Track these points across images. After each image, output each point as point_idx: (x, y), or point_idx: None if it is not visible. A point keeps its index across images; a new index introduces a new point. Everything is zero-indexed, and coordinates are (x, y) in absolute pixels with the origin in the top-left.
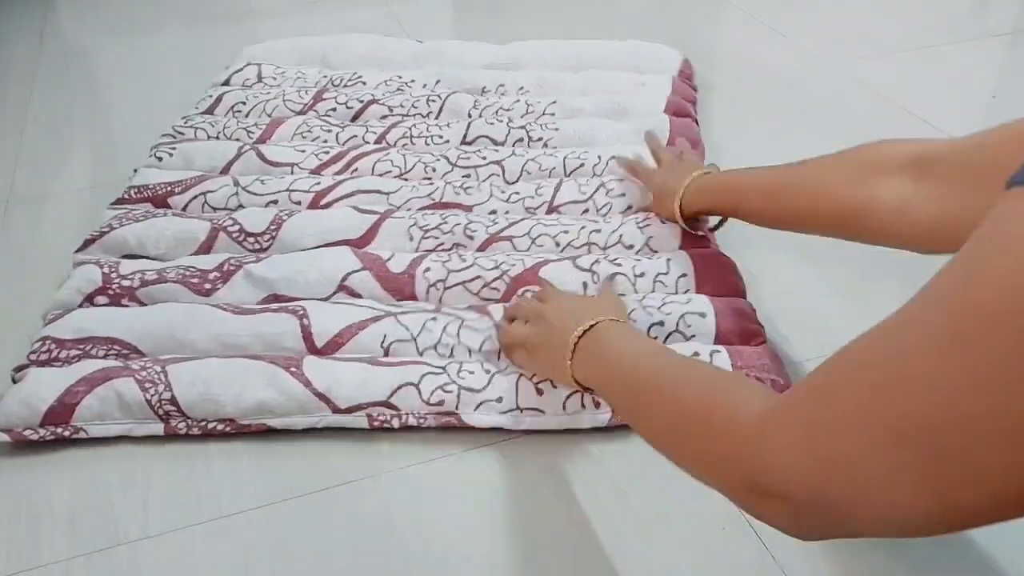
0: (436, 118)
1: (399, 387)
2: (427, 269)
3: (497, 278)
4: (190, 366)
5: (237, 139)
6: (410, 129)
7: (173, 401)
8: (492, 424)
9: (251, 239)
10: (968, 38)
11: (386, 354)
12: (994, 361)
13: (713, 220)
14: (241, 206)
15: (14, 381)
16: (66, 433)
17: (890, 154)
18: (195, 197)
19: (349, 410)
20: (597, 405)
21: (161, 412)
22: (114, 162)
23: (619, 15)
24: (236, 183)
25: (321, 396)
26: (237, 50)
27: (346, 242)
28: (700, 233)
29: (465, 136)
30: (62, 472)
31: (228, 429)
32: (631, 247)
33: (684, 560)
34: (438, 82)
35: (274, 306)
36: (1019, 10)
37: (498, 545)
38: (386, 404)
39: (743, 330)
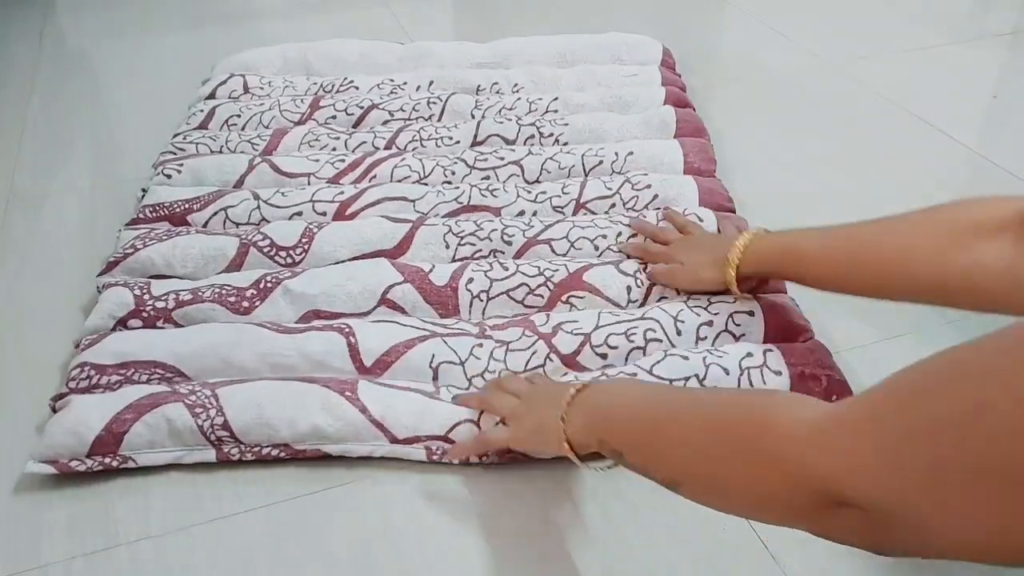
0: (439, 120)
1: (459, 423)
2: (470, 280)
3: (541, 284)
4: (241, 388)
5: (243, 152)
6: (418, 132)
7: (226, 426)
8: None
9: (282, 253)
10: (968, 38)
11: (435, 376)
12: None
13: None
14: (264, 220)
15: (54, 410)
16: (115, 463)
17: (986, 213)
18: (215, 213)
19: (407, 441)
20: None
21: (213, 438)
22: (114, 162)
23: (619, 15)
24: (256, 196)
25: (378, 424)
26: (237, 50)
27: (381, 253)
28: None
29: (476, 136)
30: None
31: (283, 455)
32: None
33: (684, 560)
34: (432, 83)
35: (319, 324)
36: (1019, 10)
37: (499, 544)
38: (444, 438)
39: (790, 326)
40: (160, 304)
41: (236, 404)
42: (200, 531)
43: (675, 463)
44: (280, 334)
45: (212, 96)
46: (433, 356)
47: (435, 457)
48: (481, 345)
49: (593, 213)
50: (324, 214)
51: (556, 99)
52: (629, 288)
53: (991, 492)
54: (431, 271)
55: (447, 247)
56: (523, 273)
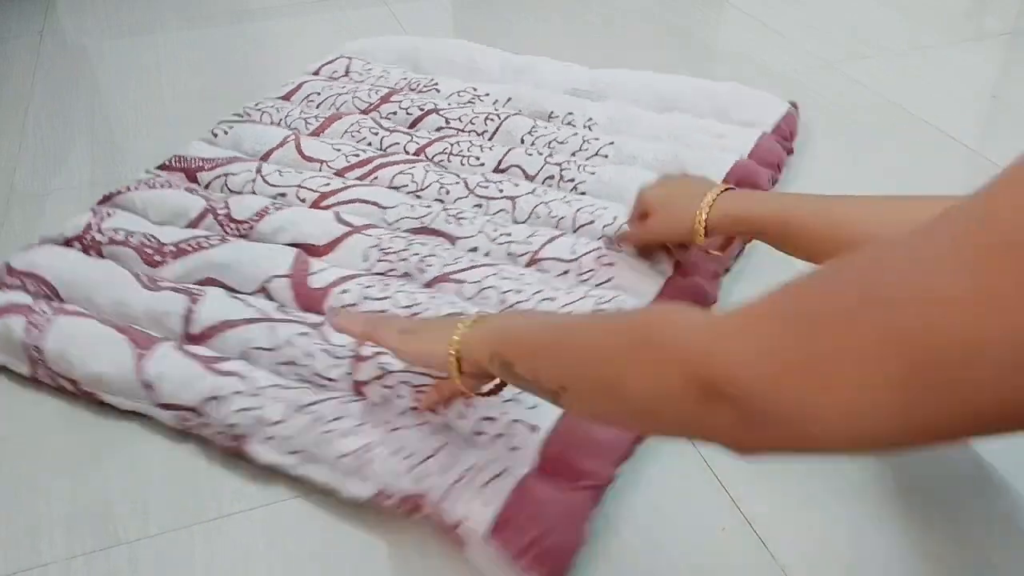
0: (490, 138)
1: (212, 397)
2: (344, 291)
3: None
4: (71, 320)
5: (294, 128)
6: (452, 145)
7: (39, 349)
8: (270, 462)
9: (232, 225)
10: (968, 38)
11: (243, 357)
12: (1014, 285)
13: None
14: (253, 192)
15: None
16: None
17: None
18: (218, 177)
19: (166, 406)
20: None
21: (29, 355)
22: (114, 161)
23: (619, 15)
24: (258, 171)
25: (146, 385)
26: (239, 50)
27: (312, 247)
28: (715, 253)
29: (500, 163)
30: (62, 471)
31: (73, 390)
32: None
33: (684, 560)
34: (508, 100)
35: (180, 285)
36: (1019, 10)
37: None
38: (195, 410)
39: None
40: (100, 237)
41: (57, 331)
42: (200, 531)
43: (566, 366)
44: (142, 288)
45: (316, 73)
46: (250, 340)
47: (184, 427)
48: (306, 334)
49: (544, 272)
50: (304, 200)
51: (611, 143)
52: None
53: (866, 373)
54: (316, 272)
55: (365, 260)
56: (394, 300)
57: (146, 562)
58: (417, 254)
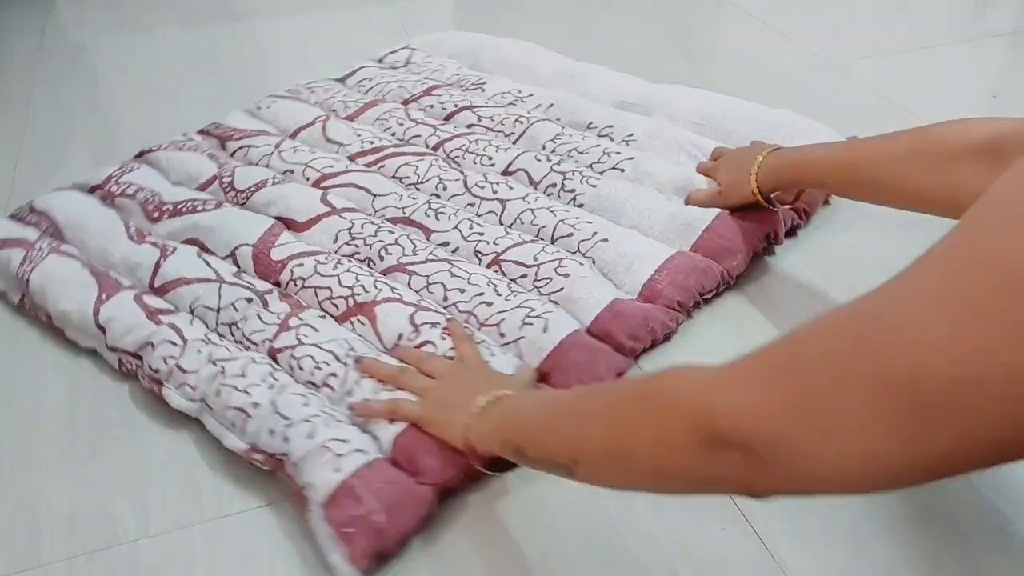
0: (515, 141)
1: (148, 343)
2: (300, 264)
3: (345, 296)
4: (57, 261)
5: (333, 110)
6: (471, 143)
7: (27, 283)
8: (178, 406)
9: (232, 192)
10: (968, 38)
11: (191, 312)
12: (1007, 323)
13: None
14: (267, 166)
15: None
16: None
17: (959, 139)
18: (241, 147)
19: (113, 348)
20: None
21: (19, 285)
22: (114, 161)
23: (619, 15)
24: (278, 146)
25: (100, 327)
26: (239, 49)
27: (292, 222)
28: (776, 208)
29: (509, 165)
30: (62, 471)
31: (48, 322)
32: (504, 337)
33: (684, 560)
34: (551, 105)
35: (160, 241)
36: (1019, 10)
37: (497, 546)
38: (134, 354)
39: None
40: (114, 189)
41: (43, 268)
42: (200, 531)
43: (575, 438)
44: (128, 240)
45: (380, 61)
46: (198, 298)
47: (125, 370)
48: (250, 300)
49: (503, 274)
50: (308, 179)
51: (631, 159)
52: (400, 336)
53: (863, 417)
54: (279, 246)
55: (335, 240)
56: (340, 279)
57: (146, 562)
58: (382, 242)
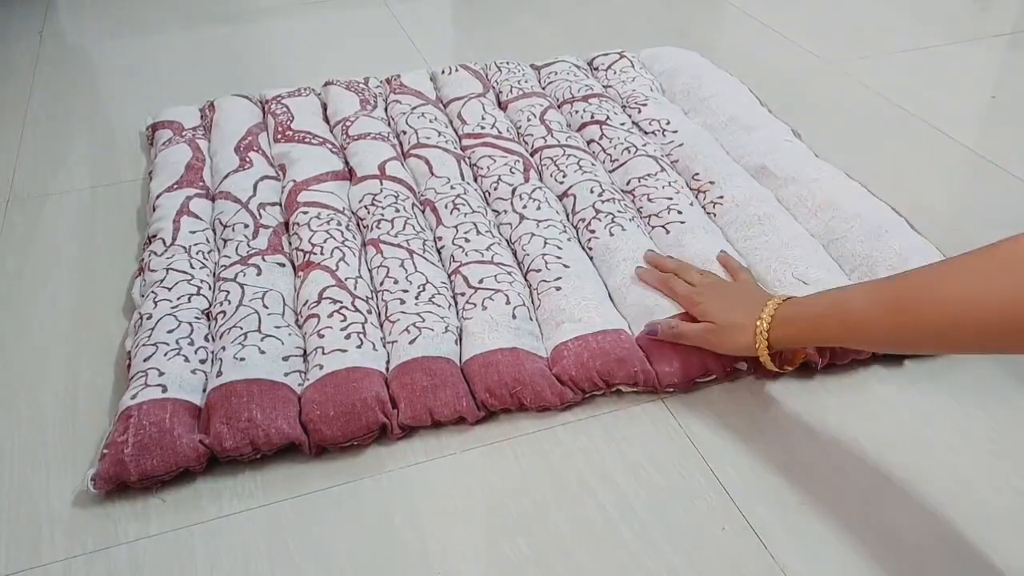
0: (613, 169)
1: (155, 234)
2: (305, 212)
3: (304, 251)
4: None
5: (499, 91)
6: (565, 156)
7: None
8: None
9: (344, 136)
10: (968, 38)
11: (211, 227)
12: None
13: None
14: (389, 124)
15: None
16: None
17: None
18: (393, 101)
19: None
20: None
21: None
22: (114, 162)
23: (619, 15)
24: (413, 109)
25: (153, 207)
26: (239, 50)
27: (352, 172)
28: (778, 370)
29: (571, 188)
30: (62, 471)
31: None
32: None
33: (684, 560)
34: (682, 145)
35: (256, 157)
36: (1019, 10)
37: (497, 545)
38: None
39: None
40: (274, 106)
41: (167, 152)
42: (200, 531)
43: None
44: (232, 151)
45: (590, 62)
46: (222, 212)
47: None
48: (246, 226)
49: (451, 285)
50: (410, 142)
51: (683, 223)
52: (306, 302)
53: None
54: (311, 189)
55: (360, 201)
56: (312, 237)
57: (146, 562)
58: (382, 215)
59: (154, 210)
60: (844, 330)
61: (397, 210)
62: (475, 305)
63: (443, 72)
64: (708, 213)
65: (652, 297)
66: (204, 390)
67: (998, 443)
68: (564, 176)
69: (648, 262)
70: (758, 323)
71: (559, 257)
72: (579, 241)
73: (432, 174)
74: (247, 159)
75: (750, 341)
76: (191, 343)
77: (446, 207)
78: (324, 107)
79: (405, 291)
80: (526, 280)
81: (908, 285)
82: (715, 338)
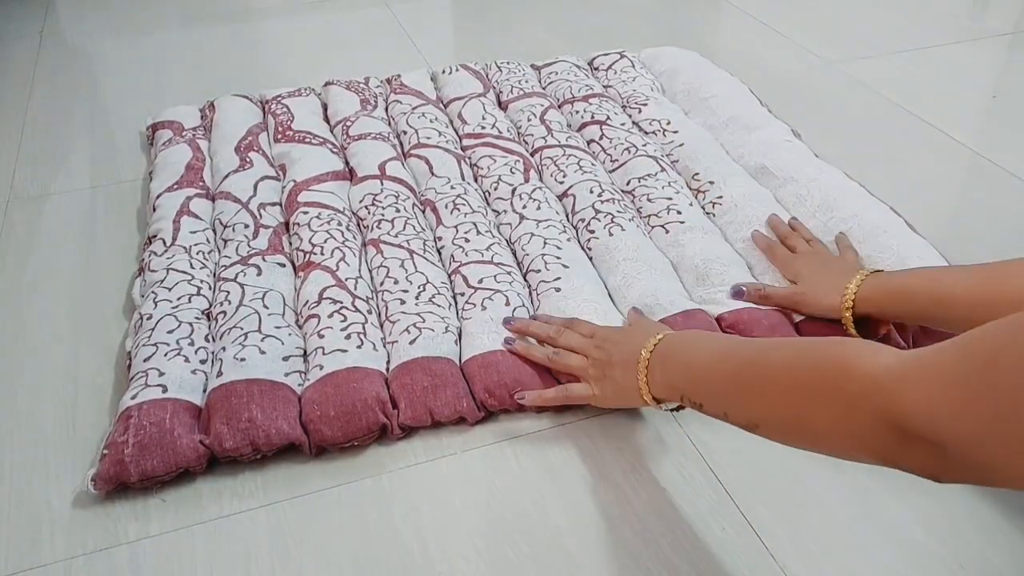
0: (613, 170)
1: (155, 234)
2: (305, 212)
3: (304, 252)
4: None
5: (499, 91)
6: (564, 157)
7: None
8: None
9: (345, 136)
10: (968, 38)
11: (211, 227)
12: None
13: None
14: (408, 123)
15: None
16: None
17: None
18: (394, 101)
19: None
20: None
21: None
22: (114, 162)
23: (619, 15)
24: (413, 109)
25: (153, 207)
26: (239, 50)
27: (354, 172)
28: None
29: (568, 189)
30: (62, 471)
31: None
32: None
33: (684, 560)
34: (682, 145)
35: (256, 157)
36: (1019, 10)
37: (497, 545)
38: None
39: None
40: (273, 106)
41: (167, 151)
42: (200, 531)
43: (755, 407)
44: (233, 152)
45: (591, 62)
46: (222, 212)
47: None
48: (247, 227)
49: (451, 285)
50: (410, 142)
51: (683, 223)
52: (307, 302)
53: None
54: (311, 189)
55: (360, 201)
56: (313, 237)
57: (146, 562)
58: (382, 215)
59: (154, 210)
60: (932, 303)
61: (397, 210)
62: (475, 305)
63: (443, 72)
64: (707, 213)
65: (651, 297)
66: (204, 390)
67: None
68: (564, 176)
69: (768, 224)
70: (848, 286)
71: (558, 257)
72: (579, 241)
73: (432, 174)
74: (247, 159)
75: (836, 303)
76: (191, 343)
77: (446, 207)
78: (324, 107)
79: (405, 291)
80: (526, 280)
81: (1009, 268)
82: (803, 299)
